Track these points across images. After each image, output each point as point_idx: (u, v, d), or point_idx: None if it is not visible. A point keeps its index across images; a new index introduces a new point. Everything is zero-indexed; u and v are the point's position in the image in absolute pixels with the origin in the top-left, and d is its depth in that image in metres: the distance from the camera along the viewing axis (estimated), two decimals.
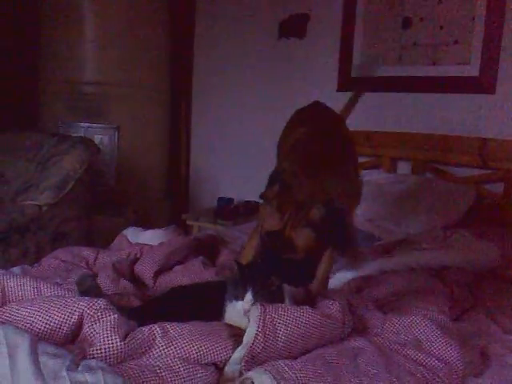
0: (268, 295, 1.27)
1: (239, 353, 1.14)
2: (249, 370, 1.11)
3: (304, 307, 1.26)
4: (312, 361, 1.15)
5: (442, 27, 2.89)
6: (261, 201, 1.44)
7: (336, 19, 3.22)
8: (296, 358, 1.19)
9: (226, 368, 1.13)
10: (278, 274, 1.30)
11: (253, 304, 1.25)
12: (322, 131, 1.65)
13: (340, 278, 1.82)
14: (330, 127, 1.70)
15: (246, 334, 1.18)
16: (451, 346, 1.27)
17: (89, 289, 1.42)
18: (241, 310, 1.26)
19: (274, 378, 1.04)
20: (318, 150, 1.52)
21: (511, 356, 1.37)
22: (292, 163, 1.48)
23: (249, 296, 1.26)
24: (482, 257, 2.03)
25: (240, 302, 1.26)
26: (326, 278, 1.60)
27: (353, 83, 3.19)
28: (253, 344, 1.14)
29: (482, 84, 2.77)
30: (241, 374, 1.12)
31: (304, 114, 1.88)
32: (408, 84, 3.01)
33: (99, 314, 1.14)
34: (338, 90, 3.26)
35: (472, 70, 2.81)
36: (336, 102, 3.34)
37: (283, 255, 1.33)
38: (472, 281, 1.90)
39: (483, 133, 2.75)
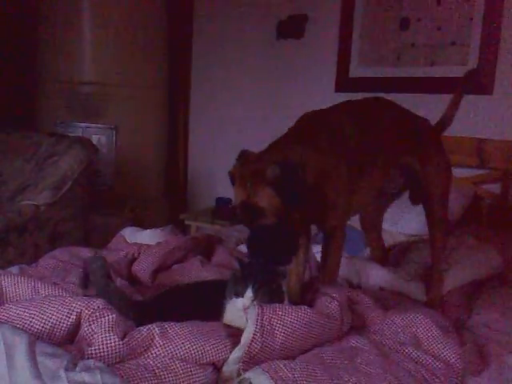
0: (268, 293, 1.27)
1: (237, 353, 1.14)
2: (247, 370, 1.11)
3: (302, 307, 1.26)
4: (310, 361, 1.16)
5: (439, 28, 2.89)
6: None
7: (334, 20, 3.22)
8: (294, 358, 1.19)
9: (224, 368, 1.13)
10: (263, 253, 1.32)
11: (253, 300, 1.25)
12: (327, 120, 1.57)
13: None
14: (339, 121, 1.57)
15: (243, 334, 1.17)
16: (451, 345, 1.27)
17: (96, 269, 1.43)
18: (240, 307, 1.26)
19: (272, 377, 1.04)
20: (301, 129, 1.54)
21: (510, 356, 1.37)
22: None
23: (249, 292, 1.26)
24: (485, 267, 2.03)
25: (240, 299, 1.27)
26: (335, 270, 1.59)
27: (351, 84, 3.20)
28: (251, 344, 1.14)
29: (480, 85, 2.78)
30: (239, 373, 1.12)
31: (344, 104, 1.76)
32: (406, 85, 3.01)
33: (97, 313, 1.14)
34: (336, 91, 3.26)
35: None
36: (334, 102, 3.36)
37: (255, 223, 1.34)
38: (471, 288, 1.91)
39: (481, 133, 2.76)
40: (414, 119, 1.83)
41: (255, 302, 1.25)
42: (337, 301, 1.35)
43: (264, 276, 1.29)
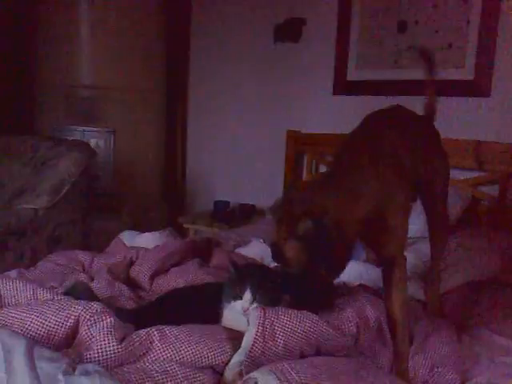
0: (266, 294, 1.27)
1: (239, 356, 1.14)
2: (248, 374, 1.11)
3: (306, 313, 1.26)
4: (316, 365, 1.14)
5: (437, 31, 2.90)
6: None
7: (331, 23, 3.23)
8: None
9: (226, 372, 1.13)
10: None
11: (252, 302, 1.25)
12: (356, 144, 1.48)
13: None
14: (374, 139, 1.47)
15: (245, 337, 1.17)
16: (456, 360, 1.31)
17: (80, 293, 1.42)
18: (240, 310, 1.26)
19: (279, 378, 1.04)
20: (338, 163, 1.45)
21: (509, 357, 1.38)
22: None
23: (248, 294, 1.26)
24: (483, 268, 2.03)
25: (239, 302, 1.26)
26: (403, 305, 1.42)
27: (349, 86, 3.20)
28: (252, 347, 1.14)
29: (477, 87, 2.79)
30: (241, 377, 1.11)
31: (370, 120, 1.67)
32: (404, 87, 3.01)
33: (96, 317, 1.14)
34: (334, 94, 3.27)
35: (467, 74, 2.82)
36: (332, 105, 3.38)
37: (280, 266, 1.34)
38: (469, 292, 1.91)
39: (478, 135, 2.76)
40: (423, 122, 1.78)
41: (255, 304, 1.25)
42: (357, 322, 1.33)
43: (262, 277, 1.29)
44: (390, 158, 1.40)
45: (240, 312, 1.26)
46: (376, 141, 1.44)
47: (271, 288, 1.30)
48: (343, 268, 1.37)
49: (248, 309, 1.25)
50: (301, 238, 1.27)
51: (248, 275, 1.30)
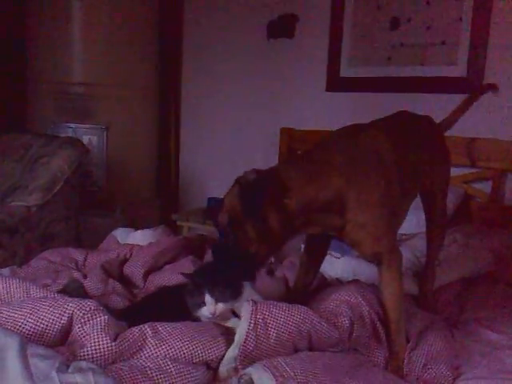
0: (225, 289, 1.26)
1: (232, 352, 1.14)
2: (243, 368, 1.11)
3: (298, 306, 1.26)
4: (311, 360, 1.15)
5: (429, 28, 2.91)
6: None
7: (324, 19, 3.23)
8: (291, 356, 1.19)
9: (221, 367, 1.13)
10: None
11: (216, 303, 1.24)
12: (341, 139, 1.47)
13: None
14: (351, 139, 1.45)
15: (237, 331, 1.18)
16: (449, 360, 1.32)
17: (73, 291, 1.43)
18: (209, 315, 1.25)
19: (273, 375, 1.04)
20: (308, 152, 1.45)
21: (500, 351, 1.39)
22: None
23: (208, 298, 1.25)
24: (475, 265, 2.04)
25: (204, 308, 1.26)
26: (397, 307, 1.40)
27: (342, 83, 3.21)
28: (245, 342, 1.15)
29: (470, 84, 2.79)
30: (236, 372, 1.12)
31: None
32: (396, 84, 3.02)
33: (89, 315, 1.14)
34: (326, 90, 3.27)
35: (459, 71, 2.83)
36: (325, 102, 3.38)
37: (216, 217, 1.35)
38: (461, 288, 1.92)
39: (471, 132, 2.77)
40: (427, 126, 1.79)
41: (220, 304, 1.24)
42: (348, 318, 1.33)
43: (215, 275, 1.28)
44: (366, 156, 1.38)
45: (210, 317, 1.25)
46: (353, 139, 1.43)
47: (227, 280, 1.27)
48: (277, 246, 1.34)
49: (215, 311, 1.24)
50: (241, 184, 1.28)
51: (202, 279, 1.29)
